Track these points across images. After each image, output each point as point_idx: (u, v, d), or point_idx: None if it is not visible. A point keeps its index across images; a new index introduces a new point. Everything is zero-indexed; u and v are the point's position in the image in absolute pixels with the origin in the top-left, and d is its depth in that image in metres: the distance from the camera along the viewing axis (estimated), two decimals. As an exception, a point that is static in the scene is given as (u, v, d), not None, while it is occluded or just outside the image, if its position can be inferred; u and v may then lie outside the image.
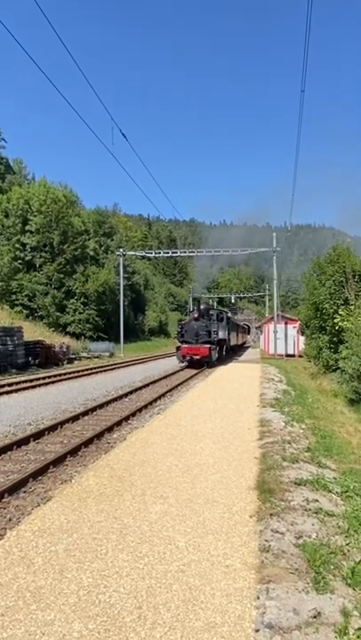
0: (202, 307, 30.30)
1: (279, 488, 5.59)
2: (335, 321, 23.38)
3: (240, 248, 44.60)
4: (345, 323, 21.97)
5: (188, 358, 26.18)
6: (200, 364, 25.87)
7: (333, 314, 24.44)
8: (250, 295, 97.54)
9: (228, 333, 34.41)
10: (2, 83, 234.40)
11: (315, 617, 3.15)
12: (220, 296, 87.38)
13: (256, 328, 77.97)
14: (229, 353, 37.02)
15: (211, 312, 30.47)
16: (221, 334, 29.52)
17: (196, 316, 27.68)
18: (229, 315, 39.54)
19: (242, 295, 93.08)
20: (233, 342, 40.32)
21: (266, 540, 4.28)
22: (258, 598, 3.41)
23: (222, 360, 30.50)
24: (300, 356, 39.19)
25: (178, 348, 27.39)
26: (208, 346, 26.19)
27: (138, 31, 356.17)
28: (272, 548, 4.13)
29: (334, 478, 6.15)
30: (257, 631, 3.04)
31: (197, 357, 25.94)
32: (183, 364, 26.56)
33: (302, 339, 37.81)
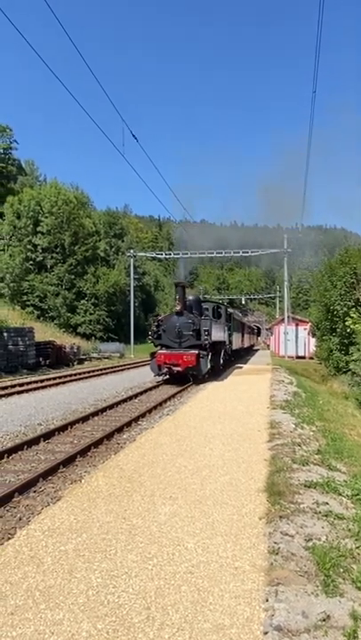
0: (190, 297, 21.52)
1: (289, 490, 5.57)
2: (346, 323, 23.26)
3: (251, 249, 44.50)
4: (357, 326, 21.84)
5: (165, 370, 18.14)
6: (185, 379, 17.99)
7: (344, 316, 24.31)
8: (260, 297, 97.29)
9: (230, 334, 26.53)
10: (14, 85, 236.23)
11: (324, 620, 3.13)
12: (230, 297, 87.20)
13: (266, 329, 77.81)
14: (231, 360, 28.52)
15: (204, 305, 22.71)
16: (218, 334, 21.19)
17: (178, 308, 19.01)
18: (231, 310, 30.03)
19: (252, 297, 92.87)
20: (237, 345, 31.76)
21: (275, 543, 4.26)
22: (267, 600, 3.39)
23: (219, 371, 21.86)
24: (311, 358, 39.05)
25: (152, 355, 18.72)
26: (195, 352, 17.87)
27: (149, 30, 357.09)
28: (281, 550, 4.11)
29: (345, 481, 6.11)
30: (265, 633, 3.03)
31: (179, 369, 17.80)
32: (160, 379, 18.63)
33: (313, 340, 37.65)
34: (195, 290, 79.27)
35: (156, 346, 19.47)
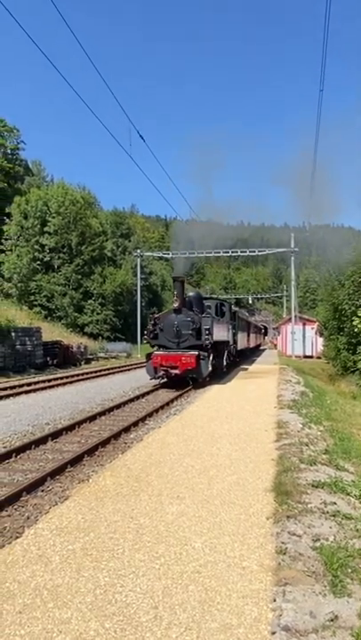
0: (191, 293, 20.36)
1: (296, 490, 5.55)
2: (354, 323, 23.16)
3: (258, 249, 44.44)
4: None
5: (162, 373, 16.74)
6: (184, 382, 16.61)
7: (352, 315, 24.23)
8: (267, 296, 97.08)
9: (234, 333, 25.05)
10: (21, 86, 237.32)
11: (332, 620, 3.12)
12: (237, 297, 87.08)
13: (273, 329, 77.62)
14: (236, 361, 27.07)
15: (206, 302, 21.18)
16: (220, 334, 19.75)
17: (176, 305, 17.53)
18: (236, 308, 28.58)
19: (259, 296, 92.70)
20: (242, 345, 29.90)
21: (283, 543, 4.25)
22: (274, 600, 3.39)
23: (222, 374, 20.43)
24: (319, 358, 38.92)
25: (148, 357, 17.45)
26: (195, 352, 16.56)
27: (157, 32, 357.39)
28: (289, 550, 4.10)
29: (353, 481, 6.08)
30: (273, 633, 3.02)
31: (177, 372, 16.48)
32: (157, 382, 17.18)
33: (320, 340, 37.54)
34: (202, 289, 79.27)
35: (152, 346, 18.27)
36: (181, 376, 16.56)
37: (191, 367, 16.36)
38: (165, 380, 17.06)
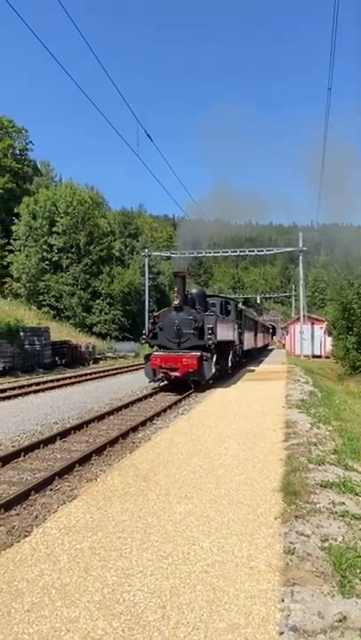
0: (193, 290, 18.89)
1: (305, 490, 5.53)
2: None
3: (266, 248, 44.33)
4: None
5: (161, 375, 15.66)
6: (185, 385, 15.53)
7: (361, 314, 24.11)
8: (276, 295, 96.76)
9: (241, 333, 23.81)
10: (30, 88, 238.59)
11: (340, 621, 3.10)
12: (245, 296, 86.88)
13: (282, 329, 77.39)
14: (243, 361, 25.92)
15: (210, 299, 20.02)
16: (225, 333, 18.50)
17: (177, 302, 16.40)
18: (242, 307, 27.27)
19: (268, 295, 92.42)
20: (249, 345, 28.62)
21: (291, 543, 4.23)
22: (282, 601, 3.37)
23: (227, 376, 19.44)
24: (327, 357, 38.74)
25: (147, 358, 16.37)
26: (197, 353, 15.42)
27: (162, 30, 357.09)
28: (297, 550, 4.08)
29: (361, 481, 6.04)
30: (281, 634, 3.01)
31: (177, 374, 15.39)
32: (156, 385, 16.19)
33: (329, 339, 37.37)
34: (210, 289, 79.11)
35: (151, 346, 17.21)
36: (182, 379, 15.49)
37: (193, 369, 15.25)
38: (166, 382, 16.04)
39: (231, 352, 20.51)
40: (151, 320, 17.08)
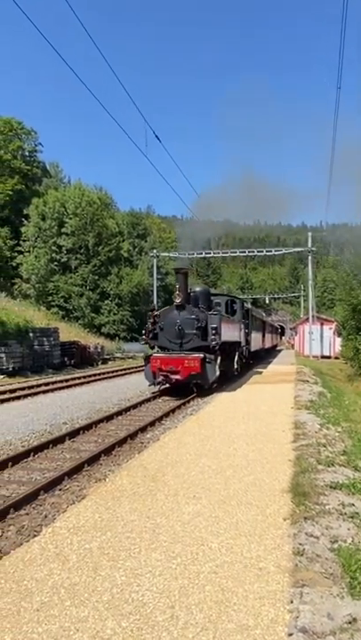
0: (197, 288, 17.94)
1: (314, 491, 5.50)
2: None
3: (275, 248, 44.20)
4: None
5: (161, 378, 14.62)
6: (187, 389, 14.55)
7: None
8: (284, 296, 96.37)
9: (247, 333, 22.66)
10: (39, 90, 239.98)
11: (350, 623, 3.08)
12: (254, 297, 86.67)
13: (291, 329, 77.11)
14: (250, 363, 24.92)
15: (215, 298, 18.96)
16: (231, 333, 17.49)
17: (179, 300, 15.29)
18: (249, 306, 25.97)
19: (276, 296, 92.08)
20: (256, 346, 27.36)
21: (300, 544, 4.22)
22: (291, 602, 3.36)
23: (233, 378, 18.54)
24: (337, 358, 38.55)
25: (147, 359, 15.36)
26: (200, 355, 14.40)
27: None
28: (306, 551, 4.07)
29: (371, 482, 6.00)
30: (290, 635, 3.00)
31: (178, 377, 14.39)
32: (156, 389, 15.17)
33: (338, 340, 37.19)
34: (218, 289, 79.00)
35: (151, 347, 16.25)
36: (184, 382, 14.50)
37: (195, 372, 14.23)
38: (167, 386, 15.00)
39: (237, 353, 19.66)
40: (151, 319, 15.99)
